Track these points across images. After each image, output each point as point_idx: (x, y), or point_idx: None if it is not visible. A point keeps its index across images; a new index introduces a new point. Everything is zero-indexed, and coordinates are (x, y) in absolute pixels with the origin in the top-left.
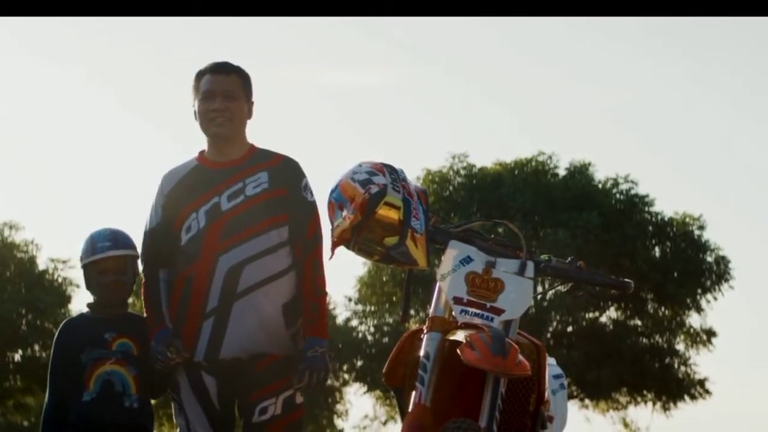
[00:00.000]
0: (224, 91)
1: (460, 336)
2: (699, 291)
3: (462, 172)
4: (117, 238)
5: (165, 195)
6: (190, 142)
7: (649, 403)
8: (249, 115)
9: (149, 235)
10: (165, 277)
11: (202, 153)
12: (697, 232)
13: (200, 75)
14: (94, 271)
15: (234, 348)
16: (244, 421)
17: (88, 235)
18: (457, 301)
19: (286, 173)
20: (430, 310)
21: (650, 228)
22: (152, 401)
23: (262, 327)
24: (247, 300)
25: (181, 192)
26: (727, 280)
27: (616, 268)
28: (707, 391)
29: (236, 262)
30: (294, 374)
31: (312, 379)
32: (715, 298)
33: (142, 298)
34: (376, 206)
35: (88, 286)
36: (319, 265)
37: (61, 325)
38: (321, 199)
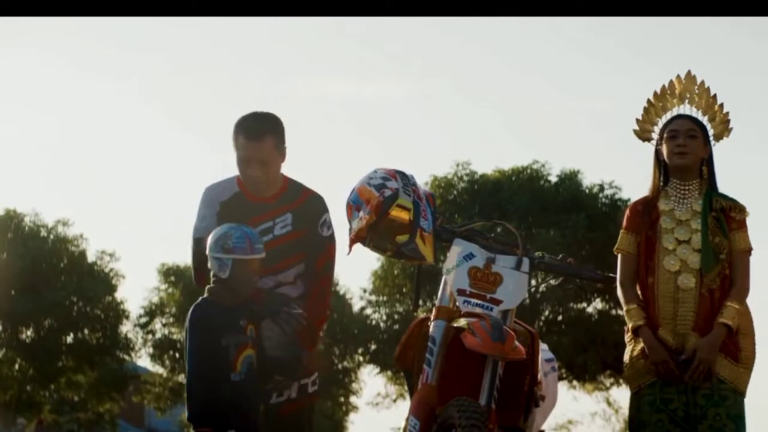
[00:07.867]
0: (260, 159)
1: (463, 323)
2: None
3: (465, 178)
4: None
5: (219, 210)
6: (226, 150)
7: None
8: (283, 158)
9: (204, 242)
10: None
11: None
12: None
13: (238, 130)
14: (245, 268)
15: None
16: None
17: (238, 230)
18: (461, 292)
19: (308, 214)
20: (437, 301)
21: None
22: None
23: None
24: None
25: (227, 213)
26: None
27: (601, 264)
28: None
29: (266, 288)
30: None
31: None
32: None
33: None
34: (389, 208)
35: (233, 277)
36: (326, 293)
37: (193, 310)
38: (340, 206)
